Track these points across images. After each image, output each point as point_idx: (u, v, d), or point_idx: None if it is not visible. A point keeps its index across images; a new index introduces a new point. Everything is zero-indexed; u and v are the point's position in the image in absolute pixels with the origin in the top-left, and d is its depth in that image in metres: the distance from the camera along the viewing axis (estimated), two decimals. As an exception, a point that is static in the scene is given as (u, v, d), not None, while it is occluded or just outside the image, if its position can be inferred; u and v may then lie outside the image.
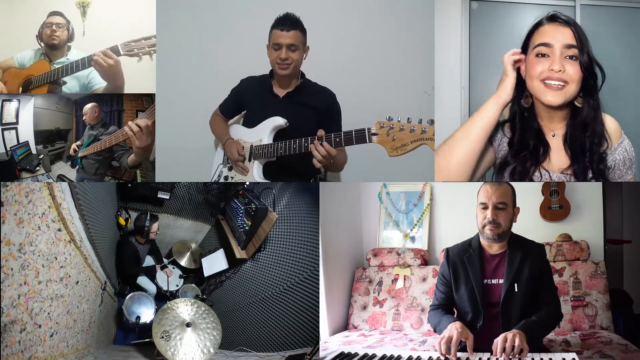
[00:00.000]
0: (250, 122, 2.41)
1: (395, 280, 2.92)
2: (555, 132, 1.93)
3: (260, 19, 2.41)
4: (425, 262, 2.98)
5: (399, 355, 1.85)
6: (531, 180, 1.93)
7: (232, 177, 2.44)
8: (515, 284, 1.88)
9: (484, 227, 1.91)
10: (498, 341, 1.68)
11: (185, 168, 2.82)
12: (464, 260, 1.97)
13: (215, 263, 3.58)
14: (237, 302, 3.32)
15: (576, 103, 1.85)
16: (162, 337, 2.44)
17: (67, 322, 2.12)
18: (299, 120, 2.30)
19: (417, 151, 1.90)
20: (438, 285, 2.08)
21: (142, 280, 3.50)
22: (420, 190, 3.14)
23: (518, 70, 1.88)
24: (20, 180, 2.78)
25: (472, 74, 3.04)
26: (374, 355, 1.88)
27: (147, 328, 2.90)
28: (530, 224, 2.77)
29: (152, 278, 3.53)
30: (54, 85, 2.76)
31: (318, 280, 2.63)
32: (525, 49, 1.89)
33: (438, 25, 2.83)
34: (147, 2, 2.80)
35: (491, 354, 1.70)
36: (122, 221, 3.53)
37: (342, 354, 1.91)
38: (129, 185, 3.49)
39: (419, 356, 1.81)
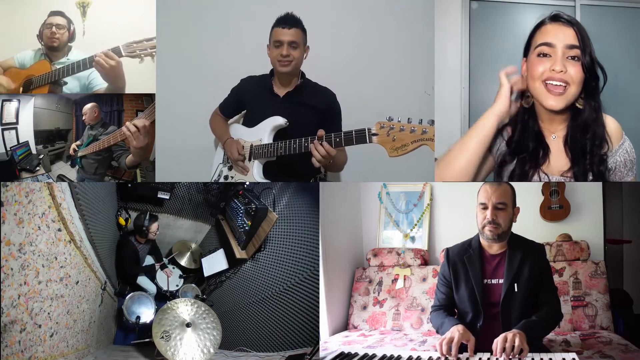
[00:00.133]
0: (250, 122, 2.41)
1: (395, 280, 2.92)
2: (555, 134, 1.91)
3: (260, 18, 2.41)
4: (425, 262, 2.98)
5: (399, 355, 1.85)
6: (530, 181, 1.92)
7: (232, 177, 2.44)
8: (515, 284, 1.88)
9: (483, 227, 1.91)
10: (498, 341, 1.68)
11: (185, 168, 2.82)
12: (464, 260, 1.97)
13: (215, 263, 3.58)
14: (237, 302, 3.32)
15: (577, 104, 1.84)
16: (162, 337, 2.44)
17: (67, 322, 2.12)
18: (299, 120, 2.30)
19: (417, 151, 1.90)
20: (439, 285, 2.08)
21: (142, 280, 3.50)
22: (420, 190, 3.14)
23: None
24: (20, 180, 2.78)
25: (472, 74, 3.04)
26: (374, 355, 1.88)
27: (147, 328, 2.90)
28: (530, 224, 2.77)
29: (152, 278, 3.53)
30: (55, 85, 2.76)
31: (318, 280, 2.63)
32: (527, 49, 1.88)
33: (438, 25, 2.83)
34: (147, 2, 2.80)
35: (491, 353, 1.70)
36: (122, 221, 3.53)
37: (342, 354, 1.91)
38: (129, 185, 3.49)
39: (419, 356, 1.81)
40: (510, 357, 1.65)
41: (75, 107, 2.82)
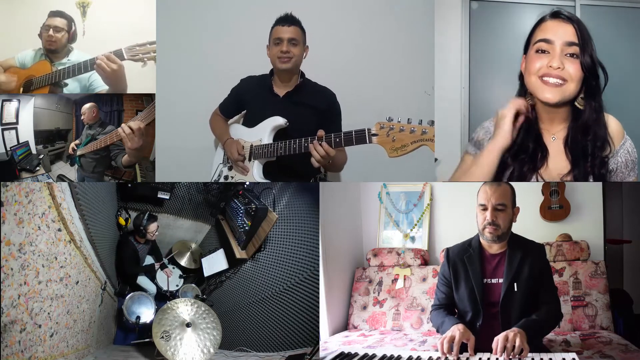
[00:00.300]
0: (250, 122, 2.41)
1: (395, 280, 2.92)
2: (555, 135, 1.86)
3: (260, 19, 2.42)
4: (425, 262, 2.98)
5: (399, 355, 1.85)
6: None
7: (232, 177, 2.44)
8: (515, 284, 1.87)
9: (483, 228, 1.91)
10: (499, 340, 1.68)
11: (185, 168, 2.82)
12: (464, 260, 1.97)
13: (215, 263, 3.58)
14: (237, 302, 3.32)
15: (578, 105, 1.80)
16: (162, 337, 2.44)
17: (67, 322, 2.12)
18: (299, 120, 2.31)
19: (417, 151, 1.90)
20: (439, 285, 2.08)
21: (142, 280, 3.50)
22: (420, 190, 3.14)
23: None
24: (20, 180, 2.78)
25: (472, 74, 3.04)
26: (374, 355, 1.88)
27: (147, 328, 2.90)
28: (530, 224, 2.77)
29: (152, 278, 3.53)
30: (55, 87, 2.76)
31: (318, 280, 2.63)
32: (527, 46, 1.85)
33: (438, 26, 2.84)
34: (147, 2, 2.80)
35: (491, 353, 1.70)
36: (122, 221, 3.53)
37: (342, 354, 1.91)
38: (129, 185, 3.49)
39: (419, 356, 1.81)
40: (511, 357, 1.65)
41: (75, 107, 2.82)
